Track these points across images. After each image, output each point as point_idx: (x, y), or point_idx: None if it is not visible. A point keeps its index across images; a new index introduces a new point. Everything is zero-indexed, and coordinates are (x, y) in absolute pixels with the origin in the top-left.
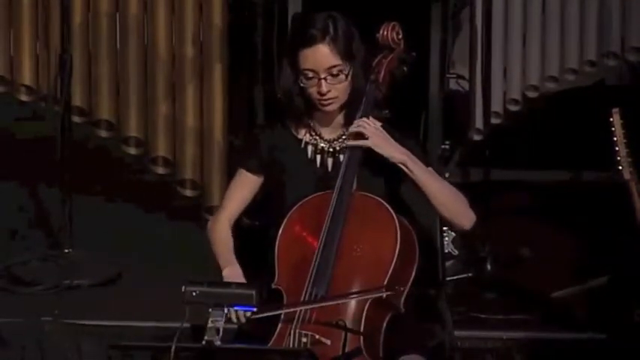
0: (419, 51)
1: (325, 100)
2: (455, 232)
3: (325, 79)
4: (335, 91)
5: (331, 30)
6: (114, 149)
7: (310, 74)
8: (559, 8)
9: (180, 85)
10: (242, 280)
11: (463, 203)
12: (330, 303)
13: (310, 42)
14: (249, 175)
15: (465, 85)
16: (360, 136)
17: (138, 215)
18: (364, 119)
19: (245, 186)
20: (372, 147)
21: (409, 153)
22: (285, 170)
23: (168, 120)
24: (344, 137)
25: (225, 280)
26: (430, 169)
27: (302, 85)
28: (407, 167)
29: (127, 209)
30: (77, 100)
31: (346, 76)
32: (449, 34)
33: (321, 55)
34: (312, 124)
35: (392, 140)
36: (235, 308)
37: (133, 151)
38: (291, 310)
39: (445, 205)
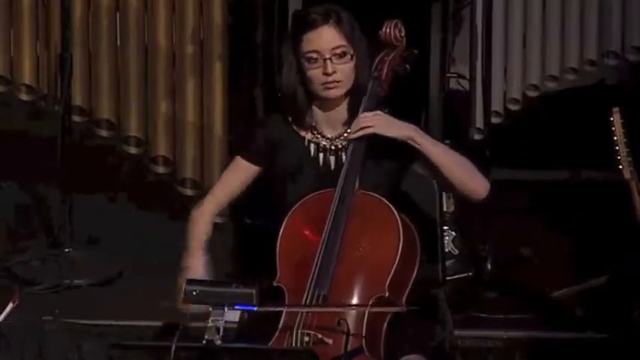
0: (419, 50)
1: (330, 82)
2: (448, 226)
3: (330, 59)
4: (340, 73)
5: (334, 14)
6: (114, 149)
7: (315, 55)
8: (559, 7)
9: (180, 85)
10: (201, 269)
11: (475, 171)
12: (327, 310)
13: (314, 25)
14: (246, 163)
15: (465, 84)
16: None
17: (138, 215)
18: (363, 117)
19: (239, 175)
20: (377, 132)
21: (415, 127)
22: (287, 168)
23: (168, 119)
24: (346, 135)
25: (185, 267)
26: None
27: (306, 69)
28: (415, 141)
29: (127, 209)
30: (77, 99)
31: (351, 56)
32: (449, 34)
33: (327, 35)
34: (313, 123)
35: (395, 120)
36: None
37: (133, 150)
38: (294, 309)
39: (458, 176)
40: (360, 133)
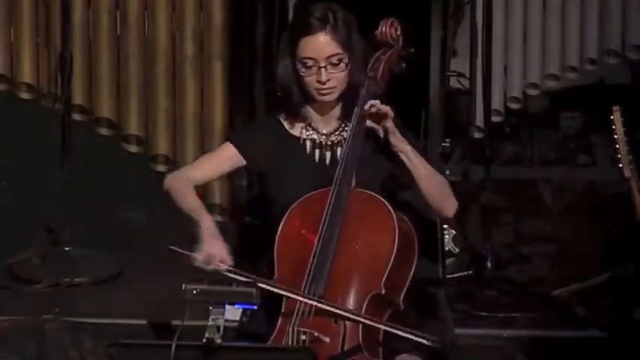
0: (419, 49)
1: (324, 89)
2: (448, 225)
3: (325, 67)
4: (334, 80)
5: (331, 19)
6: (114, 147)
7: (310, 62)
8: (560, 6)
9: (180, 84)
10: (215, 229)
11: (450, 194)
12: (330, 308)
13: (311, 30)
14: (234, 151)
15: (466, 83)
16: (375, 117)
17: (138, 213)
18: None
19: (224, 160)
20: (388, 129)
21: (411, 146)
22: (283, 167)
23: (168, 118)
24: (340, 129)
25: (205, 229)
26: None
27: (301, 73)
28: (407, 156)
29: (127, 207)
30: (78, 98)
31: (346, 65)
32: (449, 32)
33: (322, 44)
34: (307, 119)
35: (397, 131)
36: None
37: (133, 149)
38: (295, 298)
39: (434, 195)
40: (375, 126)
